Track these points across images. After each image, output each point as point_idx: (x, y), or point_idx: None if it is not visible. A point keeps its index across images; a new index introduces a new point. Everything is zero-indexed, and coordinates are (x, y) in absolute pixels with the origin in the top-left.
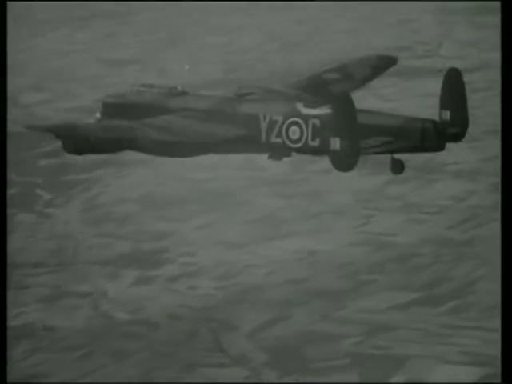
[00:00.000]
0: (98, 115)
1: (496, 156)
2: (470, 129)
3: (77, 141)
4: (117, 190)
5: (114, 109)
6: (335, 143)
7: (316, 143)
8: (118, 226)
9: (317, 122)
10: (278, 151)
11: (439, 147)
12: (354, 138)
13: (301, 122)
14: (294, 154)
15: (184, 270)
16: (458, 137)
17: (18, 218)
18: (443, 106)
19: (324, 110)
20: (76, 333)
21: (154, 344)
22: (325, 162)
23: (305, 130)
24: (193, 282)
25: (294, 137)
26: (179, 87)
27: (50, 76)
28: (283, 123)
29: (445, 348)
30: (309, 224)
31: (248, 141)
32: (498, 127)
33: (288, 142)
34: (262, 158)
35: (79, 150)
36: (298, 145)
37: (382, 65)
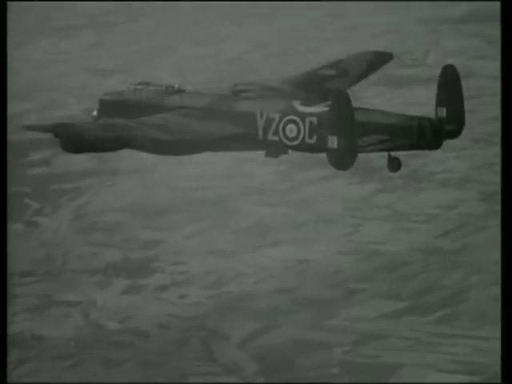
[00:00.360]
0: (94, 113)
1: (485, 164)
2: (459, 137)
3: (75, 140)
4: (106, 198)
5: (111, 107)
6: (333, 142)
7: (313, 141)
8: (107, 235)
9: (314, 119)
10: (275, 149)
11: (436, 145)
12: (351, 136)
13: (298, 119)
14: (288, 154)
15: (174, 279)
16: (454, 134)
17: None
18: (439, 102)
19: (321, 108)
20: (66, 342)
21: (145, 353)
22: (313, 171)
23: (302, 127)
24: (183, 291)
25: (291, 135)
26: (176, 85)
27: (36, 86)
28: (280, 121)
29: (436, 356)
30: (298, 232)
31: (245, 138)
32: (487, 136)
33: (285, 140)
34: (251, 167)
35: (77, 149)
36: (295, 142)
37: (378, 60)
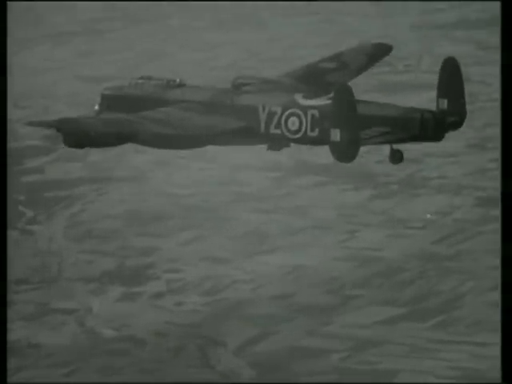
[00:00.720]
0: (96, 107)
1: (480, 170)
2: (453, 143)
3: (77, 135)
4: (100, 206)
5: (113, 101)
6: (335, 134)
7: (315, 134)
8: (102, 243)
9: (316, 112)
10: (278, 142)
11: (438, 137)
12: (354, 128)
13: (300, 113)
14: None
15: (170, 286)
16: (456, 125)
17: None
18: (440, 94)
19: (322, 101)
20: (62, 350)
21: (141, 361)
22: (308, 178)
23: (304, 120)
24: (179, 298)
25: (293, 128)
26: (177, 79)
27: (29, 93)
28: (282, 114)
29: (433, 363)
30: (293, 239)
31: (247, 132)
32: (481, 141)
33: (287, 133)
34: (246, 174)
35: (80, 144)
36: (298, 135)
37: (378, 53)
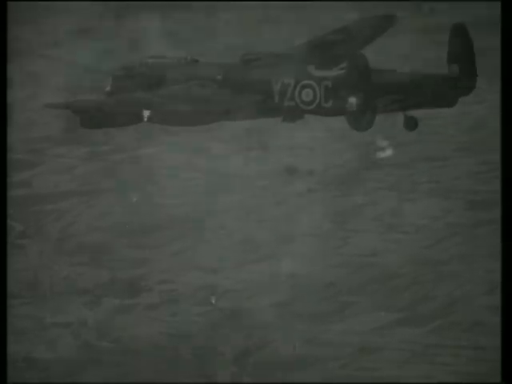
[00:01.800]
0: (107, 89)
1: (469, 173)
2: (440, 147)
3: (94, 116)
4: (89, 218)
5: (125, 81)
6: (351, 103)
7: (329, 104)
8: (93, 255)
9: (329, 83)
10: (292, 114)
11: (451, 102)
12: (369, 96)
13: (313, 84)
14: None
15: (163, 297)
16: (468, 89)
17: None
18: (451, 59)
19: (335, 71)
20: (58, 363)
21: (138, 372)
22: (298, 185)
23: (318, 91)
24: (173, 309)
25: (307, 99)
26: (189, 56)
27: (13, 106)
28: (296, 86)
29: (432, 367)
30: (286, 247)
31: (261, 105)
32: (470, 144)
33: (301, 105)
34: (235, 182)
35: (98, 124)
36: (312, 106)
37: (383, 24)
